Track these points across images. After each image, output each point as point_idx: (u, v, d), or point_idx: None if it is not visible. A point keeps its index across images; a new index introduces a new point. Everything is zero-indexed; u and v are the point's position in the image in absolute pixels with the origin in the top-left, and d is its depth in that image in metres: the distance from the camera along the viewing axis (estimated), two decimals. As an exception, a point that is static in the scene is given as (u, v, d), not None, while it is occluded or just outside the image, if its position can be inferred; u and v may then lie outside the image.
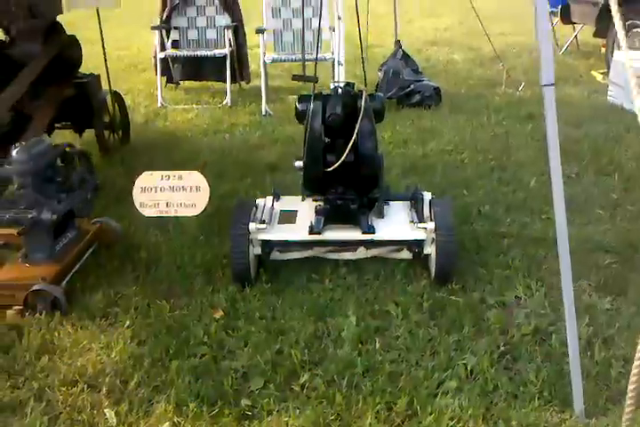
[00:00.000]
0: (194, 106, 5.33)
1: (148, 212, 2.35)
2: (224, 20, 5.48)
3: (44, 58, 3.29)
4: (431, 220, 2.52)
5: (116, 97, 4.26)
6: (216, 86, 5.79)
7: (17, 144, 2.62)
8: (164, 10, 5.53)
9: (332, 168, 2.40)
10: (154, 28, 5.36)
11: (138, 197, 2.34)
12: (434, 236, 2.48)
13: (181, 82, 5.86)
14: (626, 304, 2.43)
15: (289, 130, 4.49)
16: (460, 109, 5.06)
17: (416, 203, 2.66)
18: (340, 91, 2.47)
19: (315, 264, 2.72)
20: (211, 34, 5.55)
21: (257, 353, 2.19)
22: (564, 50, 7.02)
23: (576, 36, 6.99)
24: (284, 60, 5.21)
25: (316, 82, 3.31)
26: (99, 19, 3.84)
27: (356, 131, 2.35)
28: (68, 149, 2.74)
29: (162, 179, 2.33)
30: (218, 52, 5.31)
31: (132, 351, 2.23)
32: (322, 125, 2.41)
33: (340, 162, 2.36)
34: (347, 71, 6.22)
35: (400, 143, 4.29)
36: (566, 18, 6.62)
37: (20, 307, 2.46)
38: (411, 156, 4.08)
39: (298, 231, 2.56)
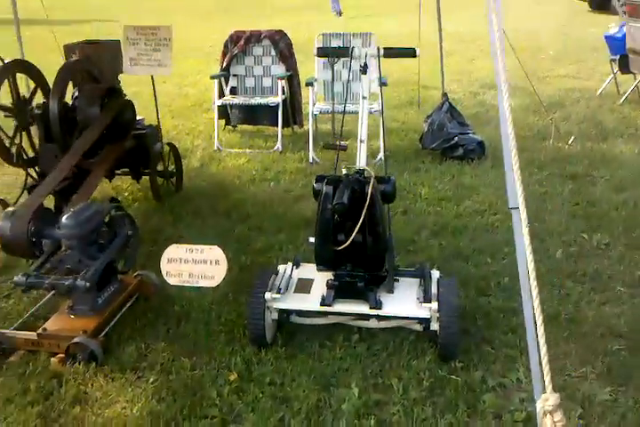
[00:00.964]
0: (247, 150, 5.63)
1: (172, 280, 2.60)
2: (279, 69, 5.80)
3: (102, 121, 3.64)
4: (437, 299, 2.65)
5: (172, 148, 4.60)
6: (270, 130, 6.09)
7: (69, 208, 2.96)
8: (224, 58, 5.90)
9: (341, 248, 2.58)
10: (213, 77, 5.73)
11: (164, 266, 2.59)
12: (438, 315, 2.62)
13: (238, 125, 6.19)
14: (625, 396, 2.47)
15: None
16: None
17: (424, 281, 2.79)
18: (350, 178, 2.64)
19: (329, 329, 2.89)
20: (266, 82, 5.88)
21: (261, 420, 2.38)
22: (623, 99, 6.92)
23: (637, 85, 6.89)
24: (333, 112, 5.44)
25: (345, 150, 3.51)
26: (153, 84, 4.20)
27: (362, 216, 2.52)
28: (112, 213, 3.04)
29: (186, 251, 2.57)
30: (271, 100, 5.61)
31: (151, 408, 2.47)
32: (332, 208, 2.60)
33: (347, 243, 2.54)
34: (391, 118, 6.40)
35: (435, 201, 4.42)
36: (625, 68, 6.56)
37: (63, 356, 2.76)
38: (444, 215, 4.20)
39: (311, 302, 2.75)
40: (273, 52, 5.82)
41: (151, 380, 2.64)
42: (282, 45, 5.80)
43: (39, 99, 3.89)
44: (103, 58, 4.01)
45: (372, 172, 2.73)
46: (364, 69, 3.09)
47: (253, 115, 5.96)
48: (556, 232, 3.88)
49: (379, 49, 3.05)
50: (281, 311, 2.78)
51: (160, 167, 4.48)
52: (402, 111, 6.90)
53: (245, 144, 5.87)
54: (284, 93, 5.69)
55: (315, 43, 5.67)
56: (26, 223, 2.84)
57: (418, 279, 2.87)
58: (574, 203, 4.31)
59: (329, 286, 2.73)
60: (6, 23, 8.33)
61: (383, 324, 2.82)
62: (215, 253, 2.56)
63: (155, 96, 4.31)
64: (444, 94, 5.65)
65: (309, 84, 5.37)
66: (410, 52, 3.10)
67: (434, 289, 2.75)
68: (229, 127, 6.21)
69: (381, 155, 5.25)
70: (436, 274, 2.86)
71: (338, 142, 3.33)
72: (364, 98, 3.06)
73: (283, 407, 2.45)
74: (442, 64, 6.15)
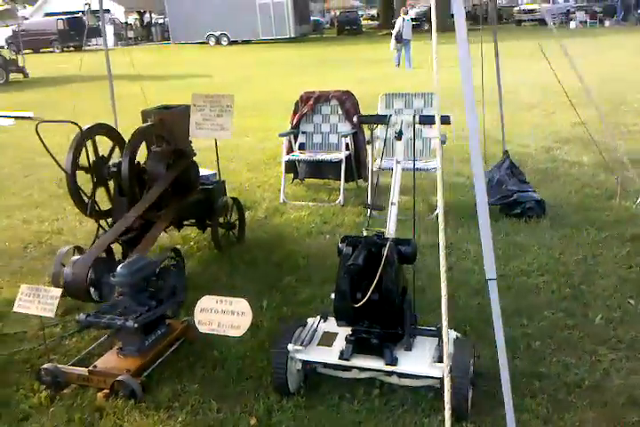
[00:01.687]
0: (310, 203, 5.92)
1: (202, 328, 2.85)
2: (345, 127, 6.11)
3: (166, 179, 4.05)
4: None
5: (236, 202, 4.96)
6: (335, 183, 6.35)
7: (127, 258, 3.31)
8: (294, 117, 6.31)
9: (357, 305, 2.74)
10: (281, 135, 6.13)
11: (197, 315, 2.85)
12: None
13: (305, 178, 6.53)
14: (637, 471, 2.42)
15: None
16: (562, 224, 5.06)
17: (441, 340, 2.87)
18: (367, 240, 2.82)
19: (353, 382, 3.01)
20: (332, 139, 6.21)
21: (271, 466, 2.54)
22: None
23: None
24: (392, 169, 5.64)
25: (382, 210, 3.68)
26: (216, 146, 4.62)
27: (377, 276, 2.68)
28: (163, 265, 3.37)
29: (217, 302, 2.82)
30: (335, 156, 5.91)
31: (174, 447, 2.70)
32: (347, 267, 2.77)
33: (363, 301, 2.70)
34: (456, 172, 6.48)
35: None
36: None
37: (108, 391, 3.06)
38: (489, 273, 4.22)
39: (331, 355, 2.90)
40: (340, 111, 6.16)
41: (180, 419, 2.87)
42: (348, 105, 6.13)
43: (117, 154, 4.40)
44: (175, 122, 4.46)
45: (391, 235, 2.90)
46: (399, 136, 3.33)
47: (319, 169, 6.28)
48: (601, 296, 3.81)
49: (414, 117, 3.31)
50: (304, 362, 2.94)
51: (222, 219, 4.83)
52: (468, 165, 6.94)
53: (310, 197, 6.16)
54: (348, 150, 5.97)
55: (378, 101, 5.96)
56: (85, 271, 3.22)
57: (437, 338, 2.95)
58: (628, 266, 4.21)
59: (347, 340, 2.88)
60: (99, 79, 9.24)
61: (405, 381, 2.90)
62: (241, 305, 2.79)
63: (217, 155, 4.70)
64: (505, 152, 5.71)
65: (368, 142, 5.63)
66: (444, 120, 3.32)
67: (451, 349, 2.82)
68: (297, 180, 6.54)
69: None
70: (452, 334, 2.93)
71: (372, 202, 3.53)
72: (397, 162, 3.26)
73: (293, 456, 2.60)
74: (502, 121, 6.23)
